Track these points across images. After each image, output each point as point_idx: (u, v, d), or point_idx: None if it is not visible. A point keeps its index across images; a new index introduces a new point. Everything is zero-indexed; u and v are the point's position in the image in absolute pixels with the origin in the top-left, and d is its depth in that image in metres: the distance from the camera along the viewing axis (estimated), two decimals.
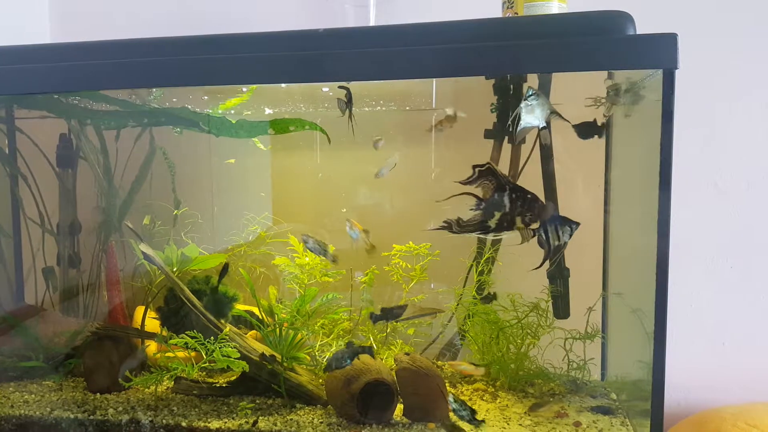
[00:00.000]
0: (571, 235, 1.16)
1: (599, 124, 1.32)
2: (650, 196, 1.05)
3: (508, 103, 1.39)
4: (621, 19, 1.05)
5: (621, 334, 1.38)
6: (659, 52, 1.00)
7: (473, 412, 1.19)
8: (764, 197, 1.55)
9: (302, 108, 1.54)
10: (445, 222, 1.20)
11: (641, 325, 1.13)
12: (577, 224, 1.16)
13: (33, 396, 1.38)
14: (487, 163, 1.17)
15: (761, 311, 1.58)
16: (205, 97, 1.49)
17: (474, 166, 1.17)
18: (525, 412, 1.27)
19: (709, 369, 1.61)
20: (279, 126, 1.41)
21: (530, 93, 1.14)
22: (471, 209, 1.18)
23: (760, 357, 1.58)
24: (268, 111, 1.53)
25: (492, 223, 1.18)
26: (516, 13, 1.25)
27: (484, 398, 1.34)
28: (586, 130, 1.30)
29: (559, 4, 1.24)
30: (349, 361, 1.23)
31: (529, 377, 1.38)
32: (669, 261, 1.04)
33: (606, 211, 1.41)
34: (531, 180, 1.40)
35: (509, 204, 1.17)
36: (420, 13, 1.54)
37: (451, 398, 1.20)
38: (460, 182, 1.18)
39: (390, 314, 1.33)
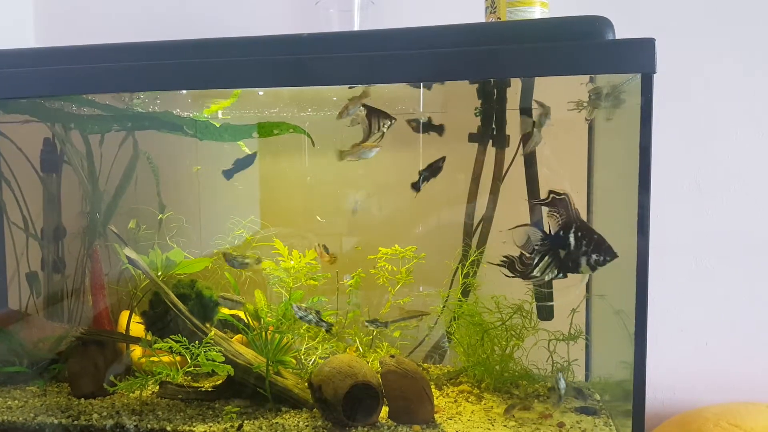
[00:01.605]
0: (595, 268, 1.09)
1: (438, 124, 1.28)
2: (632, 197, 1.07)
3: (491, 107, 1.40)
4: (600, 24, 1.07)
5: (605, 335, 1.39)
6: (638, 57, 1.01)
7: (319, 313, 1.20)
8: (746, 198, 1.57)
9: (273, 111, 1.54)
10: (505, 258, 1.14)
11: (624, 326, 1.14)
12: (613, 256, 1.07)
13: (16, 402, 1.37)
14: (564, 193, 1.11)
15: (743, 311, 1.60)
16: (189, 100, 1.49)
17: (550, 192, 1.12)
18: (504, 413, 1.27)
19: (693, 369, 1.63)
20: (263, 129, 1.41)
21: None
22: (536, 245, 1.13)
23: (743, 357, 1.60)
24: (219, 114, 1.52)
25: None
26: (499, 18, 1.26)
27: (470, 400, 1.35)
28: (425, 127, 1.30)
29: (542, 9, 1.25)
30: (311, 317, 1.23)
31: (514, 378, 1.39)
32: (649, 261, 1.05)
33: (589, 213, 1.43)
34: (515, 183, 1.42)
35: (575, 243, 1.10)
36: (404, 18, 1.55)
37: (295, 308, 1.21)
38: (534, 202, 1.14)
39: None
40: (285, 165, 1.63)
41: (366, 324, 1.36)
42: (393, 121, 1.25)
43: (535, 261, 1.14)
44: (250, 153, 1.41)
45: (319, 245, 1.40)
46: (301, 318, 1.20)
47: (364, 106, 1.23)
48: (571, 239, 1.10)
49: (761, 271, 1.58)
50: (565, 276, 1.13)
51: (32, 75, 1.21)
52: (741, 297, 1.60)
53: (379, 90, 1.28)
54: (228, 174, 1.41)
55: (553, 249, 1.13)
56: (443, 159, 1.32)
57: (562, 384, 1.16)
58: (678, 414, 1.53)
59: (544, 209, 1.37)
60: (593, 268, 1.10)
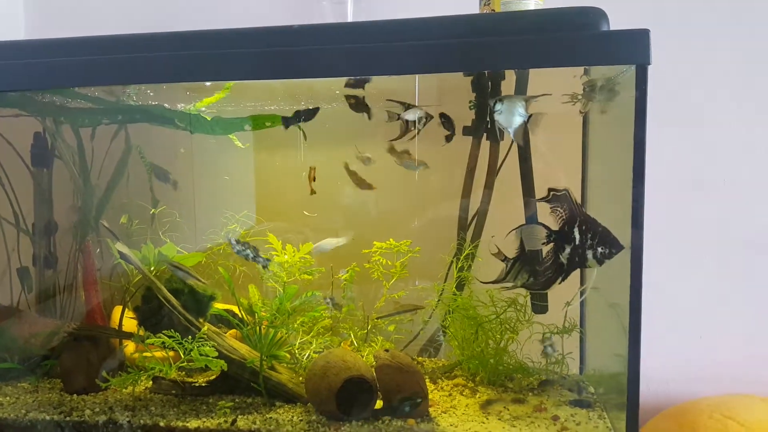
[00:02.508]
0: (602, 261, 1.08)
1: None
2: (627, 190, 1.06)
3: (486, 99, 1.39)
4: (595, 15, 1.06)
5: (599, 328, 1.39)
6: (632, 48, 1.00)
7: (256, 249, 1.20)
8: (740, 192, 1.57)
9: (251, 104, 1.52)
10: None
11: (618, 319, 1.14)
12: (620, 248, 1.06)
13: (8, 398, 1.36)
14: (565, 189, 1.10)
15: (737, 304, 1.60)
16: (188, 93, 1.47)
17: (549, 189, 1.11)
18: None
19: (687, 362, 1.63)
20: (255, 122, 1.40)
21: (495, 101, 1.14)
22: (543, 243, 1.12)
23: (736, 349, 1.61)
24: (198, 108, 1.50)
25: (563, 258, 1.11)
26: (493, 9, 1.26)
27: (464, 393, 1.35)
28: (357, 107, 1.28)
29: (536, 1, 1.25)
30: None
31: (509, 372, 1.39)
32: (643, 254, 1.05)
33: (584, 206, 1.42)
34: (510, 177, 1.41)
35: (579, 237, 1.09)
36: (397, 10, 1.54)
37: (232, 240, 1.21)
38: (535, 200, 1.13)
39: None
40: (279, 159, 1.62)
41: (326, 302, 1.37)
42: (430, 118, 1.24)
43: (508, 267, 1.15)
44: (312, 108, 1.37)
45: (311, 175, 1.37)
46: (238, 252, 1.19)
47: (402, 103, 1.22)
48: (576, 234, 1.09)
49: (755, 264, 1.59)
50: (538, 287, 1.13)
51: (22, 68, 1.19)
52: (735, 291, 1.60)
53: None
54: (286, 122, 1.35)
55: (523, 257, 1.14)
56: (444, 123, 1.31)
57: (549, 350, 1.17)
58: (672, 406, 1.53)
59: (540, 204, 1.37)
60: (600, 262, 1.09)
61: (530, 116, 1.16)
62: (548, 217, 1.16)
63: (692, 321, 1.62)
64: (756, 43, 1.53)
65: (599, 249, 1.08)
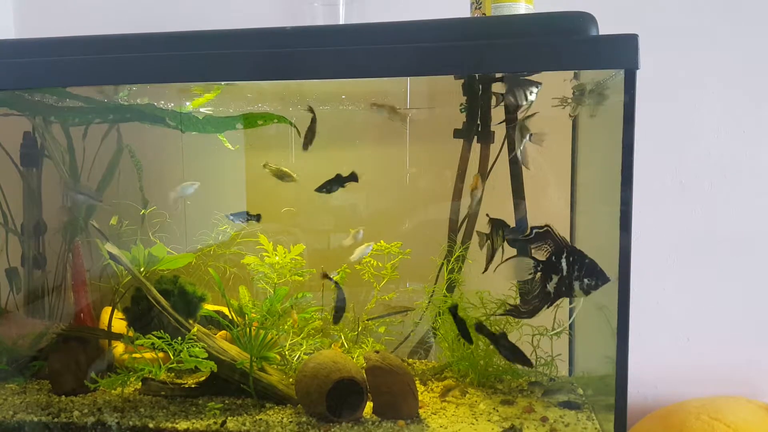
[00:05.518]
0: (588, 292, 1.10)
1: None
2: (615, 194, 1.07)
3: (477, 102, 1.40)
4: (584, 20, 1.07)
5: (588, 330, 1.40)
6: (620, 53, 1.02)
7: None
8: (727, 195, 1.59)
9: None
10: (510, 305, 1.19)
11: (607, 321, 1.15)
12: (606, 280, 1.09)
13: None
14: (546, 225, 1.12)
15: (724, 307, 1.62)
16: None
17: (532, 228, 1.12)
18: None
19: (675, 364, 1.64)
20: (247, 120, 1.40)
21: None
22: (530, 274, 1.14)
23: (723, 351, 1.62)
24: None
25: (550, 287, 1.12)
26: (484, 13, 1.26)
27: (454, 395, 1.35)
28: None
29: (526, 5, 1.25)
30: None
31: (498, 373, 1.40)
32: (631, 257, 1.06)
33: (573, 209, 1.44)
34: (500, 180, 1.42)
35: (567, 268, 1.11)
36: (389, 13, 1.55)
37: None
38: (523, 237, 1.16)
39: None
40: (271, 160, 1.62)
41: None
42: (539, 85, 1.22)
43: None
44: None
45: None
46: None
47: (504, 80, 1.21)
48: (564, 265, 1.11)
49: (742, 267, 1.60)
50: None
51: (11, 67, 1.18)
52: (722, 293, 1.61)
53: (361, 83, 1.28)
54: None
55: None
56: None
57: None
58: (660, 408, 1.55)
59: (529, 206, 1.39)
60: (586, 293, 1.11)
61: (531, 134, 1.20)
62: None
63: (680, 323, 1.63)
64: (744, 46, 1.55)
65: (585, 280, 1.10)
